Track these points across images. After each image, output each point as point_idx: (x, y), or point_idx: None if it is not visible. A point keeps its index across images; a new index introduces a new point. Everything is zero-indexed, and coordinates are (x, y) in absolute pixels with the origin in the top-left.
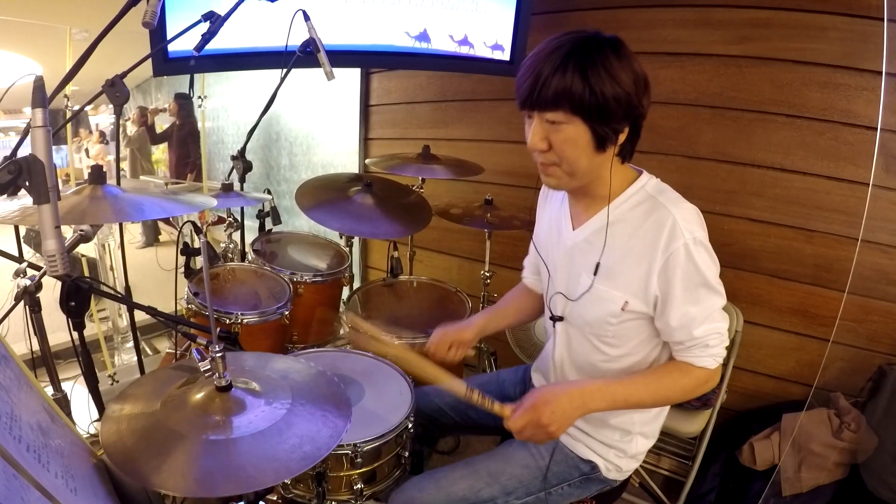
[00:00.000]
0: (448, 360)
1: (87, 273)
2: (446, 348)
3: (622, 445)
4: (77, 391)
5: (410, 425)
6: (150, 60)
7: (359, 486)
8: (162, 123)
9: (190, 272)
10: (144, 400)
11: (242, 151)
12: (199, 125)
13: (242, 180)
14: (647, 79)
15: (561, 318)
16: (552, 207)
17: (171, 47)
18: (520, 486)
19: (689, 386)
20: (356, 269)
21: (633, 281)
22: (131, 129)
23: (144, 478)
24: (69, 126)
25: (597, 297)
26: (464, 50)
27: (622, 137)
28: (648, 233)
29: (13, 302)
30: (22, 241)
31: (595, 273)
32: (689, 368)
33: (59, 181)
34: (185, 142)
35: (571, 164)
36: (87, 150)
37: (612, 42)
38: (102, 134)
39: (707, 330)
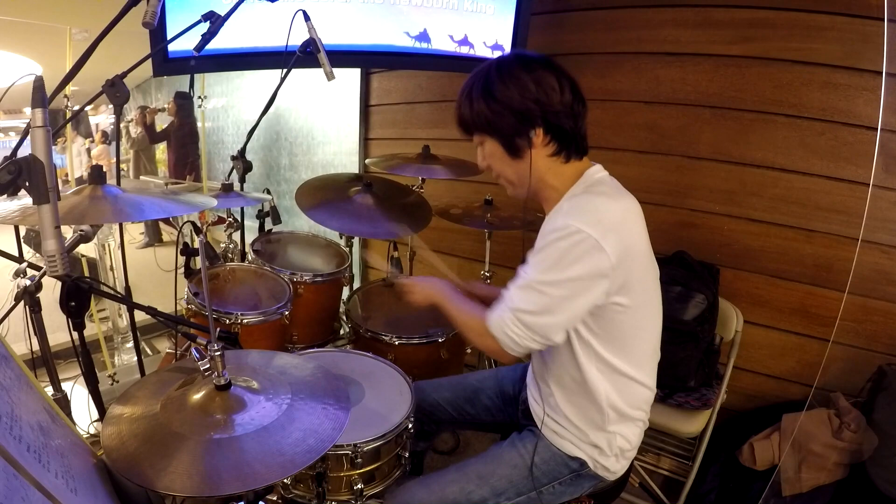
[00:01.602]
0: None
1: (87, 273)
2: None
3: (600, 443)
4: (77, 391)
5: (410, 425)
6: (150, 60)
7: (359, 486)
8: (161, 123)
9: (190, 272)
10: (143, 403)
11: (242, 151)
12: (199, 125)
13: (242, 180)
14: (549, 82)
15: None
16: None
17: (172, 47)
18: (510, 486)
19: (470, 323)
20: (356, 269)
21: None
22: (134, 130)
23: (150, 481)
24: (69, 126)
25: None
26: (464, 50)
27: (538, 140)
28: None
29: (13, 302)
30: (22, 241)
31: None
32: (482, 312)
33: (59, 181)
34: (184, 142)
35: (504, 175)
36: (88, 151)
37: (501, 62)
38: (105, 134)
39: (513, 297)
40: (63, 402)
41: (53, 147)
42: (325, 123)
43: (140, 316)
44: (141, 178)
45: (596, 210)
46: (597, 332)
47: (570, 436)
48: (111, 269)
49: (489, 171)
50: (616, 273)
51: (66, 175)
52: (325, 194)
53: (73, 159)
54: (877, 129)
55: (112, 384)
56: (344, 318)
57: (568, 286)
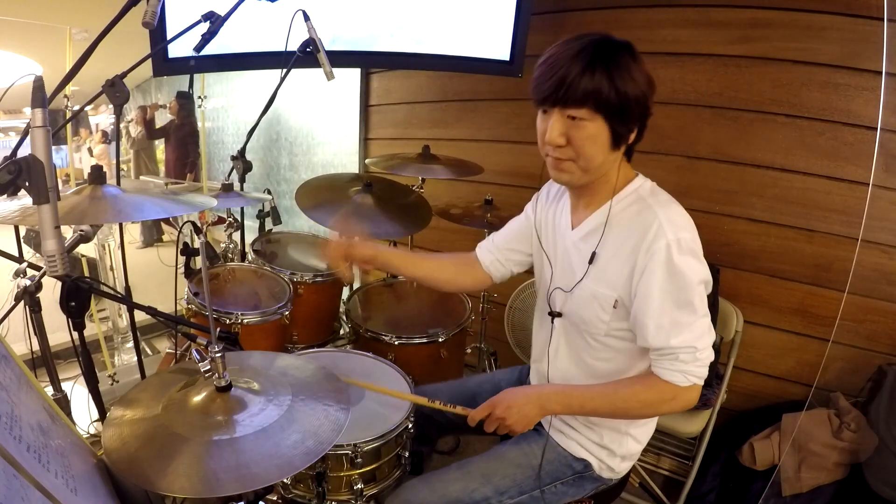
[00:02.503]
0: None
1: (87, 273)
2: (341, 251)
3: (612, 445)
4: (77, 391)
5: (410, 425)
6: (150, 60)
7: (359, 486)
8: (160, 121)
9: (190, 272)
10: (145, 405)
11: (242, 151)
12: (199, 125)
13: (242, 180)
14: (654, 81)
15: (559, 314)
16: (549, 206)
17: (171, 47)
18: (513, 485)
19: (649, 400)
20: (356, 269)
21: (621, 280)
22: (134, 130)
23: (150, 482)
24: (69, 126)
25: (590, 294)
26: (464, 50)
27: (632, 137)
28: (635, 233)
29: (13, 302)
30: (22, 241)
31: (591, 263)
32: (653, 381)
33: (59, 181)
34: (185, 142)
35: (588, 160)
36: (90, 150)
37: (628, 45)
38: (105, 134)
39: (683, 341)
40: (63, 402)
41: (65, 146)
42: (325, 123)
43: (140, 316)
44: (141, 177)
45: (682, 216)
46: None
47: (580, 437)
48: (111, 269)
49: (556, 147)
50: None
51: (67, 175)
52: (325, 194)
53: (78, 158)
54: (877, 128)
55: (112, 384)
56: (344, 318)
57: (698, 290)
